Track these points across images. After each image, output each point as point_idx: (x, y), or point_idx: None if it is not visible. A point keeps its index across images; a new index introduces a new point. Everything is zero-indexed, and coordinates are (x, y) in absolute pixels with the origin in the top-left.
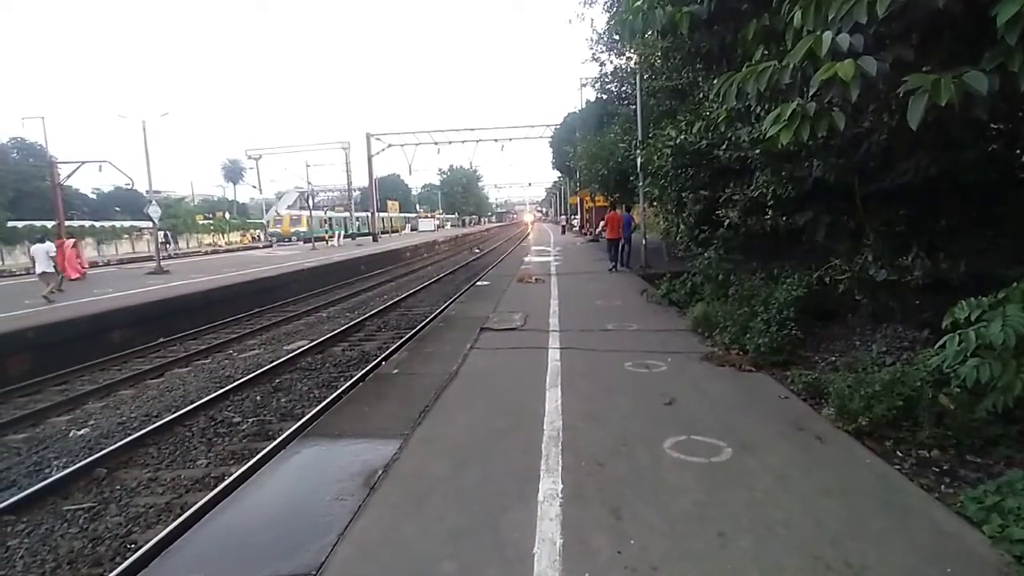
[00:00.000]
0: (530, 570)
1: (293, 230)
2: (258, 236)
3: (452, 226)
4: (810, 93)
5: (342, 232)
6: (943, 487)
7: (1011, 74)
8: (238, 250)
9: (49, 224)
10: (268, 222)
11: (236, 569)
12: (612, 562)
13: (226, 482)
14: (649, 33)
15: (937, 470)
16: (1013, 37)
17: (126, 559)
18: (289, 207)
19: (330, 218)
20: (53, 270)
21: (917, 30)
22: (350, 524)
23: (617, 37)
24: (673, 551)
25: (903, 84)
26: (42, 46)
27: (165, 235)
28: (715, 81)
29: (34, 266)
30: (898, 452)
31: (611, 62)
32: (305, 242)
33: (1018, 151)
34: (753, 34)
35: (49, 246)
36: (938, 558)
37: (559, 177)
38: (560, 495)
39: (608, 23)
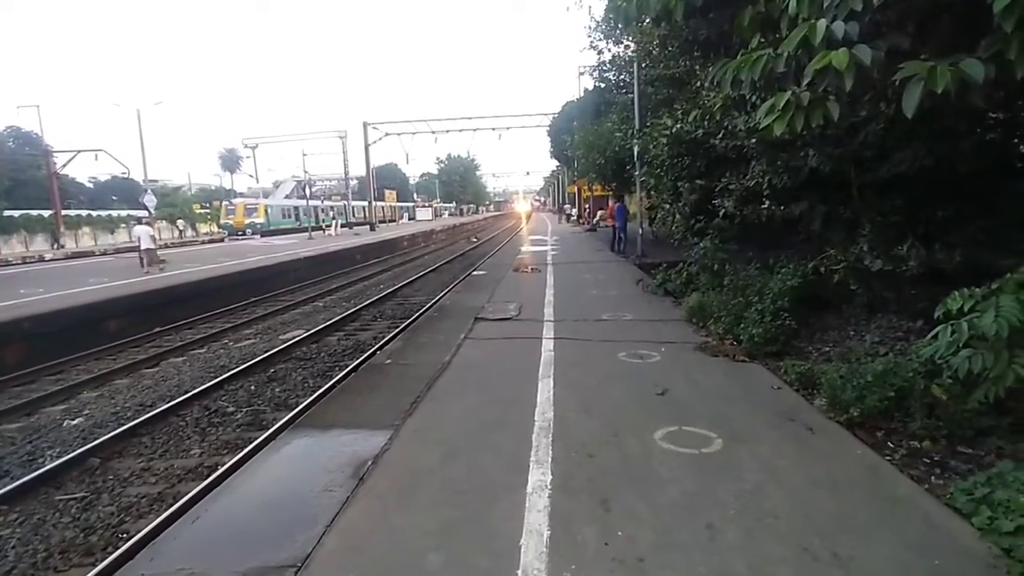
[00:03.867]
0: (516, 562)
1: (248, 222)
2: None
3: (450, 215)
4: (804, 82)
5: (339, 221)
6: (933, 478)
7: (1007, 62)
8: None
9: (46, 213)
10: (220, 212)
11: (222, 561)
12: (599, 554)
13: (217, 472)
14: (645, 21)
15: (928, 461)
16: (1010, 24)
17: (118, 548)
18: (287, 196)
19: (330, 207)
20: (155, 247)
21: (913, 17)
22: (338, 515)
23: (624, 25)
24: (661, 543)
25: (898, 72)
26: (38, 34)
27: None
28: (711, 69)
29: (139, 244)
30: (889, 443)
31: (609, 50)
32: (262, 236)
33: (1016, 140)
34: (748, 21)
35: (149, 228)
36: (926, 550)
37: (557, 166)
38: (549, 486)
39: (605, 11)
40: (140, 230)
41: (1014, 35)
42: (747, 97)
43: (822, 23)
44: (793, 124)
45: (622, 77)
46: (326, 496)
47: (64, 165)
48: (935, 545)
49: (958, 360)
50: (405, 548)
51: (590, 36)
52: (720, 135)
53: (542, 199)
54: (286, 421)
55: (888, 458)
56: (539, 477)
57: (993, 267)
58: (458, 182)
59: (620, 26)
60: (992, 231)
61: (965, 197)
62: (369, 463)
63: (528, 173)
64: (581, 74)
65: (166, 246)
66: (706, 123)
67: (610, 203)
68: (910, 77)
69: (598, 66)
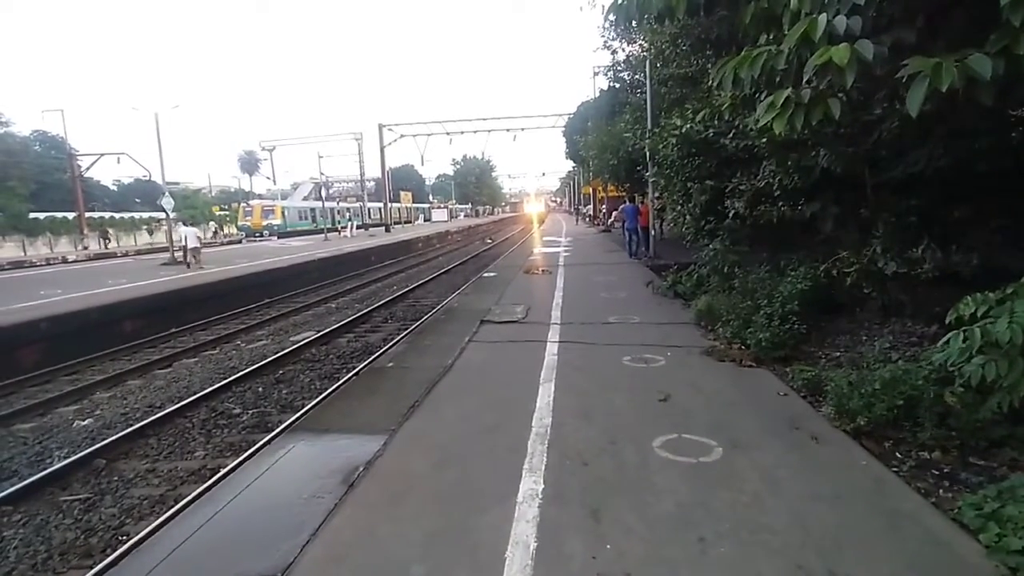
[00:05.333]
0: (499, 575)
1: (265, 223)
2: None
3: (465, 216)
4: (804, 79)
5: (354, 223)
6: (942, 491)
7: (1016, 57)
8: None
9: (70, 215)
10: (237, 213)
11: (204, 569)
12: (585, 568)
13: (213, 479)
14: (648, 18)
15: (937, 473)
16: (1018, 17)
17: (116, 551)
18: (305, 198)
19: (346, 208)
20: (199, 246)
21: (923, 11)
22: (323, 523)
23: (626, 24)
24: (649, 557)
25: (902, 69)
26: (62, 40)
27: (216, 226)
28: (714, 67)
29: (185, 243)
30: (897, 453)
31: (623, 50)
32: (279, 237)
33: None
34: (750, 18)
35: (195, 229)
36: (928, 569)
37: (573, 167)
38: (540, 496)
39: (607, 9)
40: (187, 231)
41: (1023, 29)
42: (755, 95)
43: (822, 18)
44: (793, 122)
45: (637, 77)
46: (314, 503)
47: (87, 168)
48: (938, 564)
49: (970, 368)
50: (388, 559)
51: (603, 35)
52: (730, 135)
53: (558, 200)
54: (286, 425)
55: (895, 469)
56: (530, 486)
57: (1014, 270)
58: (473, 183)
59: (623, 25)
60: (1012, 232)
61: (983, 198)
62: (360, 469)
63: (544, 174)
64: (596, 74)
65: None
66: (716, 123)
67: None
68: (916, 74)
69: (612, 66)
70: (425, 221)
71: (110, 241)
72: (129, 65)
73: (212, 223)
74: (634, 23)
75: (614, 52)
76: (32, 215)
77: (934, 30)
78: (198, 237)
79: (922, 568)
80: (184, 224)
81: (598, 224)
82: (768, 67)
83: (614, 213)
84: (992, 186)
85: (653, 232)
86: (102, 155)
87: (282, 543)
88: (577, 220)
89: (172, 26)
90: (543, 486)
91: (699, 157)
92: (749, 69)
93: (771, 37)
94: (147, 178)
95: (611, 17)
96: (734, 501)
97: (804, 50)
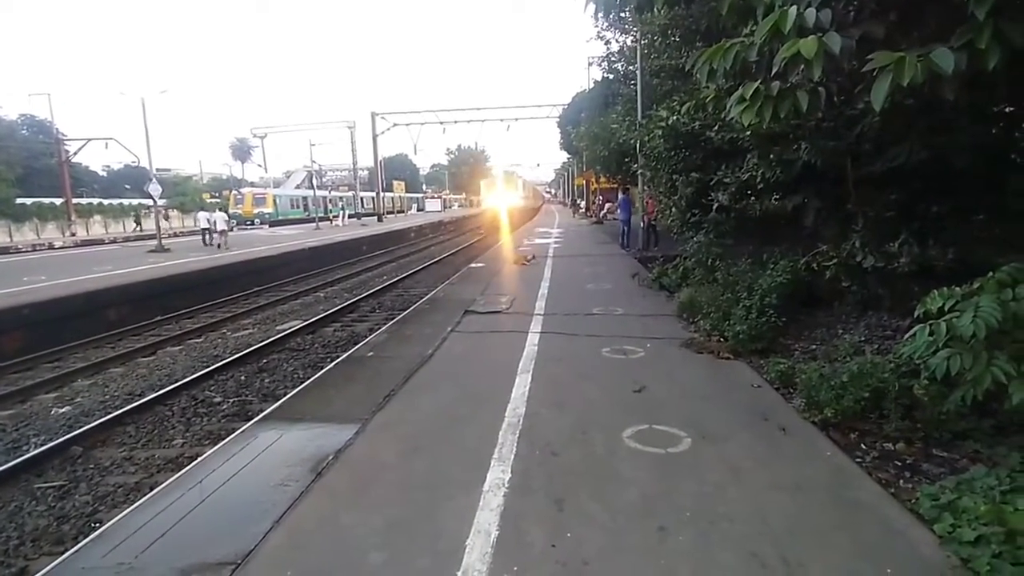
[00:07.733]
0: (459, 562)
1: (256, 211)
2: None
3: (459, 207)
4: (773, 71)
5: (347, 212)
6: (902, 482)
7: (980, 51)
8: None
9: (58, 201)
10: (228, 201)
11: (164, 556)
12: (544, 556)
13: (185, 469)
14: (626, 9)
15: (899, 464)
16: (982, 11)
17: (88, 537)
18: (298, 186)
19: (339, 197)
20: (228, 228)
21: (897, 6)
22: (288, 511)
23: (606, 14)
24: (609, 545)
25: (868, 63)
26: (51, 24)
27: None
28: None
29: (215, 226)
30: (862, 445)
31: (616, 40)
32: (271, 226)
33: (1018, 135)
34: (727, 10)
35: (224, 214)
36: (880, 558)
37: (568, 158)
38: (506, 485)
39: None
40: (218, 215)
41: (986, 23)
42: (739, 88)
43: (792, 10)
44: (763, 114)
45: (630, 68)
46: (280, 491)
47: (75, 153)
48: (891, 553)
49: (936, 361)
50: (348, 546)
51: (596, 25)
52: (716, 127)
53: (552, 191)
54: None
55: (858, 460)
56: (498, 475)
57: (990, 265)
58: (467, 173)
59: (603, 15)
60: (991, 227)
61: (963, 193)
62: (330, 458)
63: (539, 165)
64: (590, 65)
65: (176, 235)
66: (701, 115)
67: (620, 195)
68: (883, 68)
69: (606, 56)
70: (418, 211)
71: (140, 226)
72: (119, 50)
73: (219, 210)
74: (615, 13)
75: (607, 43)
76: (19, 200)
77: (907, 25)
78: (226, 221)
79: (875, 557)
80: (203, 209)
81: (591, 216)
82: (741, 59)
83: (607, 205)
84: (971, 181)
85: (643, 224)
86: (89, 140)
87: (245, 530)
88: (574, 212)
89: (163, 11)
90: (510, 475)
91: (685, 149)
92: (722, 61)
93: (751, 29)
94: (136, 164)
95: (591, 7)
96: (697, 491)
97: (775, 42)
